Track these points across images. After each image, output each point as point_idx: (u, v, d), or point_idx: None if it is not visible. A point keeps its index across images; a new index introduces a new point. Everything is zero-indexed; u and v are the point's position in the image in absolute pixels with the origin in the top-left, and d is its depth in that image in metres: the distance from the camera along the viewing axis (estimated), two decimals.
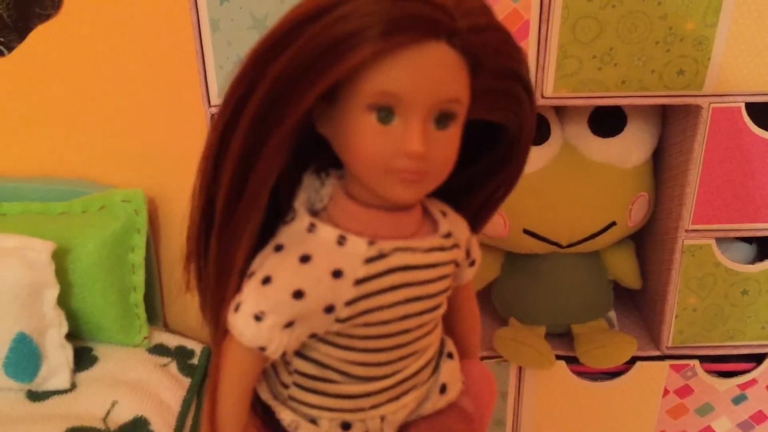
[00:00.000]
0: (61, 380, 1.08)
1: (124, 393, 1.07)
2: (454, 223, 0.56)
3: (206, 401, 0.53)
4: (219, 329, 0.53)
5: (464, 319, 0.65)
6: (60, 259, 1.09)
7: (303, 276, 0.49)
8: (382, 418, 0.57)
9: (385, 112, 0.46)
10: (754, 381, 1.14)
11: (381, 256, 0.50)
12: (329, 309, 0.50)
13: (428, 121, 0.46)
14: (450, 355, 0.61)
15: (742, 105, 0.95)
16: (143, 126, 1.22)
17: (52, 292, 1.06)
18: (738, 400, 1.15)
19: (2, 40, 1.15)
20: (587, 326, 1.12)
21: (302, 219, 0.51)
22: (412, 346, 0.55)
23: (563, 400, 1.14)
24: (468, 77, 0.47)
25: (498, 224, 1.06)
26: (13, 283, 1.03)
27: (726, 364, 1.15)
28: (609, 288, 1.15)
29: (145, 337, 1.20)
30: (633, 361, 1.10)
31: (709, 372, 1.13)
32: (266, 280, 0.49)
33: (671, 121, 1.05)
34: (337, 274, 0.49)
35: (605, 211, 1.05)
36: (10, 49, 1.15)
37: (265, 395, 0.57)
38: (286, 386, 0.56)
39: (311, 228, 0.50)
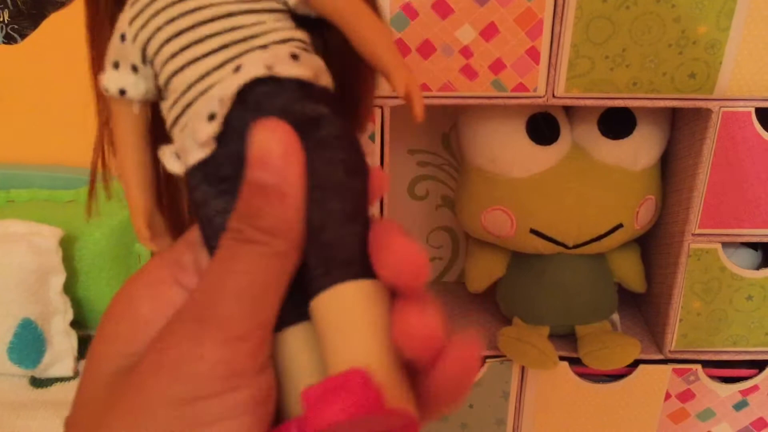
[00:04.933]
0: (65, 367, 1.08)
1: None
2: None
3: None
4: None
5: None
6: (67, 246, 1.10)
7: None
8: None
9: None
10: (756, 387, 1.14)
11: None
12: None
13: None
14: None
15: (752, 110, 0.95)
16: None
17: (59, 278, 1.07)
18: (739, 406, 1.15)
19: (16, 27, 1.15)
20: (591, 328, 1.12)
21: None
22: None
23: (565, 400, 1.14)
24: None
25: (505, 224, 1.06)
26: (20, 269, 1.04)
27: (728, 370, 1.15)
28: (614, 290, 1.15)
29: None
30: (635, 364, 1.11)
31: (712, 377, 1.13)
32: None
33: (680, 125, 1.05)
34: None
35: (612, 213, 1.05)
36: (24, 36, 1.16)
37: None
38: None
39: None
